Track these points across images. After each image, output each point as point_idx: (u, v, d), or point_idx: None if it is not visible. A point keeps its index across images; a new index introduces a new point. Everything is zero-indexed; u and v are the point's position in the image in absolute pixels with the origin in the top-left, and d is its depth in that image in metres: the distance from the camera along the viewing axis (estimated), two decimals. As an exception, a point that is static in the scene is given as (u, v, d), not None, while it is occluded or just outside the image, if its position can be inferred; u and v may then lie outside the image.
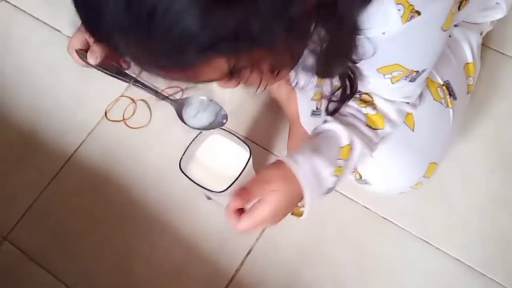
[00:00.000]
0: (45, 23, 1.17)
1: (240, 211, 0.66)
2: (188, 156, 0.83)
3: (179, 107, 0.74)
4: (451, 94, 0.81)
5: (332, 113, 0.72)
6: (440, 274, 0.89)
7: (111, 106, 1.07)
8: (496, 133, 0.96)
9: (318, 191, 0.67)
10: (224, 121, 0.75)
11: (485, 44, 1.02)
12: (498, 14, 0.90)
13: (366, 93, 0.71)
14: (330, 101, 0.72)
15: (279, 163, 0.66)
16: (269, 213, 0.64)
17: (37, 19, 1.17)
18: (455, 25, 0.87)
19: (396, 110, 0.72)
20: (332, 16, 0.55)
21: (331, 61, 0.63)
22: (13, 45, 1.16)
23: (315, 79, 0.88)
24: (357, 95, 0.72)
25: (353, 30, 0.59)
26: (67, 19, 1.15)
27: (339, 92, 0.72)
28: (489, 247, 0.89)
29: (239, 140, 0.83)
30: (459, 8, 0.76)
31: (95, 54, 0.69)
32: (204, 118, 0.75)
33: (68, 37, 1.14)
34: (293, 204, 0.67)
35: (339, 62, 0.64)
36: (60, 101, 1.09)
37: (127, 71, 0.73)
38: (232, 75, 0.50)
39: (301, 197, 0.66)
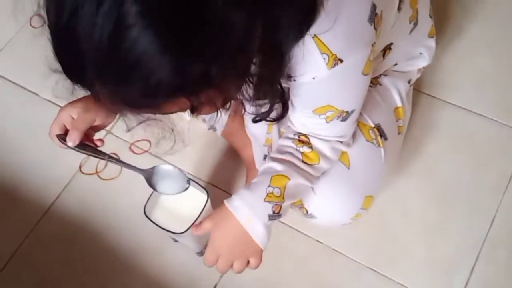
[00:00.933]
0: (23, 87, 1.27)
1: None
2: (152, 202, 0.92)
3: (149, 175, 0.86)
4: (382, 135, 0.92)
5: (258, 121, 0.82)
6: (388, 299, 0.97)
7: (84, 160, 1.16)
8: (431, 169, 1.07)
9: (255, 218, 0.78)
10: (188, 185, 0.87)
11: (418, 89, 1.14)
12: (422, 63, 1.02)
13: (304, 135, 0.82)
14: (266, 119, 0.81)
15: (222, 205, 0.81)
16: (211, 247, 0.81)
17: (15, 83, 1.28)
18: (385, 75, 0.99)
19: (331, 148, 0.82)
20: (271, 54, 0.65)
21: (264, 86, 0.71)
22: (-6, 109, 1.26)
23: (266, 127, 0.99)
24: (295, 137, 0.82)
25: (283, 61, 0.68)
26: (43, 84, 1.25)
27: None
28: (430, 272, 0.98)
29: (197, 185, 0.92)
30: (383, 56, 0.89)
31: (73, 138, 0.80)
32: (171, 184, 0.87)
33: (44, 99, 1.25)
34: (237, 236, 0.79)
35: (271, 87, 0.73)
36: (38, 158, 1.18)
37: (101, 149, 0.85)
38: (192, 109, 0.61)
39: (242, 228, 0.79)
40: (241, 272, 0.83)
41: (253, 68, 0.64)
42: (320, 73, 0.69)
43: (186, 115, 1.10)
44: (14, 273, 1.06)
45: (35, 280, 1.05)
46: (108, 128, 1.18)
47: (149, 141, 1.17)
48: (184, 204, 0.93)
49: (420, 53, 1.00)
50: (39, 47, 1.40)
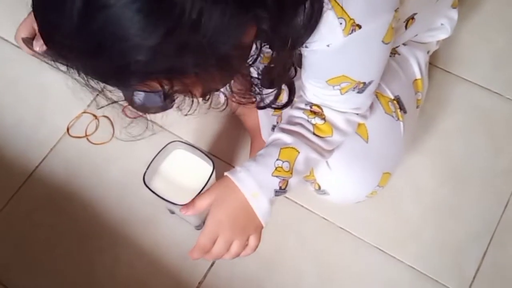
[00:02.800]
0: (5, 40, 1.17)
1: None
2: (152, 170, 0.85)
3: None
4: (402, 108, 0.87)
5: (262, 107, 0.76)
6: (396, 281, 0.93)
7: (73, 122, 1.07)
8: (444, 147, 1.02)
9: (261, 193, 0.72)
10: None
11: (433, 64, 1.08)
12: (443, 34, 0.96)
13: (317, 105, 0.76)
14: (271, 106, 0.76)
15: (223, 177, 0.74)
16: (212, 222, 0.73)
17: (-2, 35, 1.18)
18: (404, 44, 0.93)
19: (345, 120, 0.76)
20: (278, 44, 0.60)
21: (273, 75, 0.66)
22: (-27, 62, 1.15)
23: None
24: (307, 107, 0.76)
25: (294, 50, 0.63)
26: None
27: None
28: (441, 254, 0.94)
29: (203, 154, 0.85)
30: (406, 27, 0.82)
31: (41, 42, 0.71)
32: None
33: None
34: (240, 210, 0.73)
35: (282, 76, 0.68)
36: (21, 118, 1.09)
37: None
38: (166, 94, 0.55)
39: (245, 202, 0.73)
40: (237, 256, 0.76)
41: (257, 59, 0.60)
42: (336, 40, 0.62)
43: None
44: (-6, 240, 0.98)
45: (17, 248, 0.97)
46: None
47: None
48: (186, 173, 0.86)
49: (442, 24, 0.95)
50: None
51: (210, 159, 0.84)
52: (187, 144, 0.86)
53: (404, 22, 0.81)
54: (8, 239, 0.98)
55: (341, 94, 0.71)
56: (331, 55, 0.65)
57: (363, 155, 0.82)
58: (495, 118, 1.04)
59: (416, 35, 0.92)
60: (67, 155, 1.05)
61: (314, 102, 0.76)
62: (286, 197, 0.97)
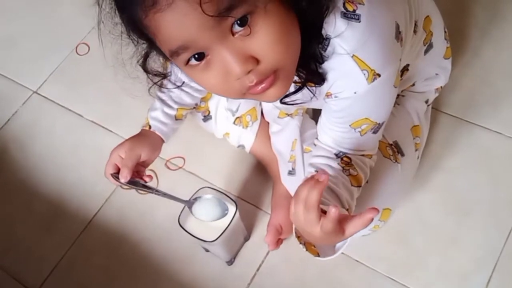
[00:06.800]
0: (69, 110, 1.39)
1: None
2: (186, 213, 1.00)
3: (191, 205, 0.98)
4: (399, 151, 0.98)
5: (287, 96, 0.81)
6: (408, 308, 1.02)
7: (124, 176, 1.25)
8: (449, 184, 1.11)
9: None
10: (226, 212, 0.98)
11: (437, 108, 1.19)
12: (439, 83, 1.08)
13: (347, 156, 0.86)
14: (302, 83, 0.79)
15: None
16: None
17: (63, 106, 1.40)
18: (402, 95, 1.05)
19: (367, 166, 0.88)
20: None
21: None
22: (42, 130, 1.37)
23: (290, 144, 1.06)
24: (338, 159, 0.86)
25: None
26: (87, 107, 1.38)
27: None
28: (448, 283, 1.02)
29: (227, 197, 1.00)
30: (401, 77, 0.94)
31: (124, 175, 0.91)
32: (211, 212, 0.99)
33: (88, 120, 1.36)
34: None
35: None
36: (82, 175, 1.28)
37: (149, 184, 0.97)
38: None
39: None
40: None
41: None
42: (361, 87, 0.75)
43: (217, 134, 1.18)
44: (58, 282, 1.15)
45: (78, 287, 1.14)
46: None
47: (183, 158, 1.25)
48: (214, 214, 1.01)
49: (436, 74, 1.05)
50: (84, 73, 1.54)
51: (234, 201, 0.99)
52: (214, 189, 1.01)
53: (399, 72, 0.94)
54: (71, 280, 1.15)
55: (361, 135, 0.83)
56: (357, 100, 0.77)
57: (363, 193, 0.93)
58: (496, 155, 1.12)
59: (413, 84, 1.04)
60: (119, 204, 1.23)
61: (334, 147, 0.86)
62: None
